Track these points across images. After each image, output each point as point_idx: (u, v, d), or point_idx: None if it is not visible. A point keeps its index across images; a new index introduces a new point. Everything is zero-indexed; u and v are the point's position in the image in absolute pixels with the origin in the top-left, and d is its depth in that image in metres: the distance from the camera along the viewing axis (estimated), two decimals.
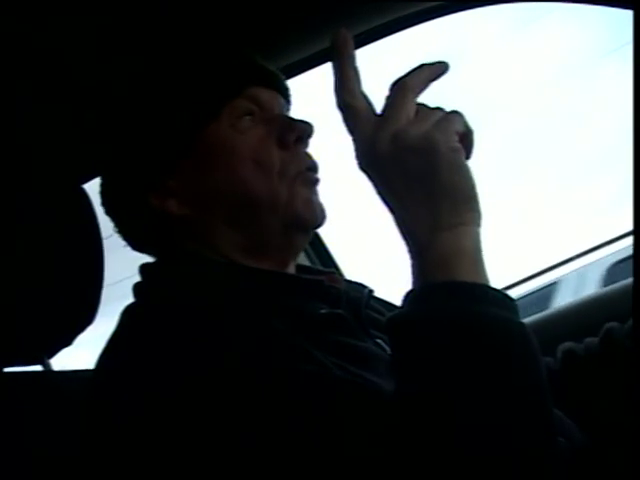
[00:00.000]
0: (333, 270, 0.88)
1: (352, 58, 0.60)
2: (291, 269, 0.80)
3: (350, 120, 0.60)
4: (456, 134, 0.57)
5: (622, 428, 0.59)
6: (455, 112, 0.58)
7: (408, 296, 0.58)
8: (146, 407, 0.59)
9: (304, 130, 0.79)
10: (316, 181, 0.79)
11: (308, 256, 1.43)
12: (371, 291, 0.83)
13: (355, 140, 0.60)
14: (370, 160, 0.59)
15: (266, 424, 0.54)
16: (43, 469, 0.80)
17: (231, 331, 0.62)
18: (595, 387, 0.73)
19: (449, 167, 0.56)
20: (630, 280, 1.18)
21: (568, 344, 0.80)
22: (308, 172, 0.78)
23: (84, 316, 0.91)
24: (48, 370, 0.93)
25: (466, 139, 0.59)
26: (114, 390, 0.63)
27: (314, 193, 0.78)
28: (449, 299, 0.54)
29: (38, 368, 0.93)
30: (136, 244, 0.83)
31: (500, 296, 0.56)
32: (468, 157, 0.60)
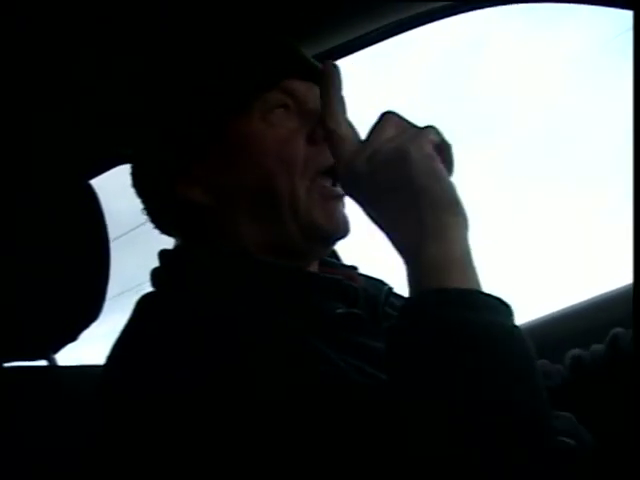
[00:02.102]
0: (353, 266, 0.86)
1: (339, 87, 0.63)
2: (312, 267, 0.79)
3: (334, 146, 0.63)
4: (431, 144, 0.59)
5: (629, 434, 0.59)
6: (429, 126, 0.60)
7: (403, 306, 0.59)
8: (157, 402, 0.59)
9: None
10: (338, 195, 0.77)
11: None
12: (390, 288, 0.82)
13: (338, 164, 0.63)
14: (351, 182, 0.62)
15: (278, 423, 0.54)
16: (47, 464, 0.80)
17: (246, 328, 0.62)
18: (602, 395, 0.73)
19: (424, 173, 0.57)
20: (625, 286, 1.19)
21: (576, 351, 0.80)
22: (326, 181, 0.76)
23: (89, 312, 0.91)
24: (53, 365, 0.93)
25: (444, 153, 0.60)
26: (125, 384, 0.63)
27: (337, 206, 0.77)
28: (439, 306, 0.55)
29: (43, 363, 0.93)
30: (163, 228, 0.82)
31: (492, 300, 0.56)
32: (450, 172, 0.61)
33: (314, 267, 0.79)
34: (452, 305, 0.54)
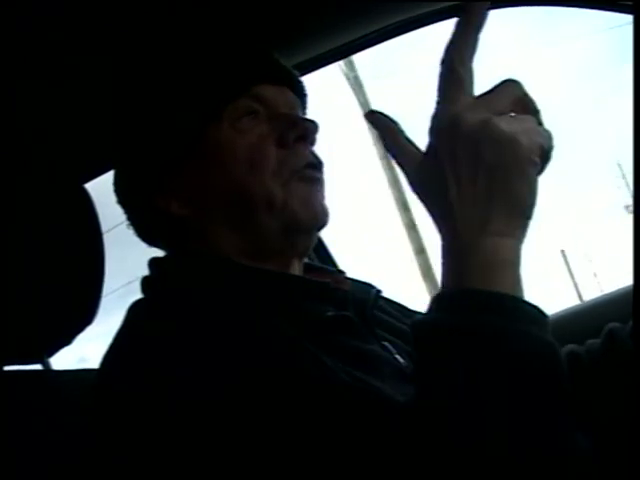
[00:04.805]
0: (340, 270, 0.87)
1: (478, 29, 0.55)
2: (296, 270, 0.79)
3: (447, 83, 0.55)
4: (540, 150, 0.53)
5: (626, 430, 0.59)
6: (545, 130, 0.55)
7: (441, 298, 0.55)
8: (148, 408, 0.59)
9: (306, 128, 0.78)
10: (315, 179, 0.77)
11: (308, 256, 1.42)
12: (379, 291, 0.82)
13: (440, 103, 0.55)
14: (446, 132, 0.54)
15: (269, 427, 0.54)
16: (42, 468, 0.79)
17: (236, 333, 0.62)
18: (599, 390, 0.72)
19: (521, 176, 0.53)
20: (629, 286, 1.18)
21: (570, 346, 0.79)
22: (306, 169, 0.76)
23: (84, 315, 0.91)
24: (48, 369, 0.92)
25: (543, 157, 0.55)
26: (120, 388, 0.63)
27: (314, 191, 0.77)
28: (485, 311, 0.52)
29: (38, 367, 0.92)
30: (147, 240, 0.83)
31: (535, 312, 0.53)
32: (539, 174, 0.56)
33: (298, 267, 0.79)
34: (498, 312, 0.52)
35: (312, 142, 0.80)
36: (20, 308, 0.85)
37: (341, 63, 7.00)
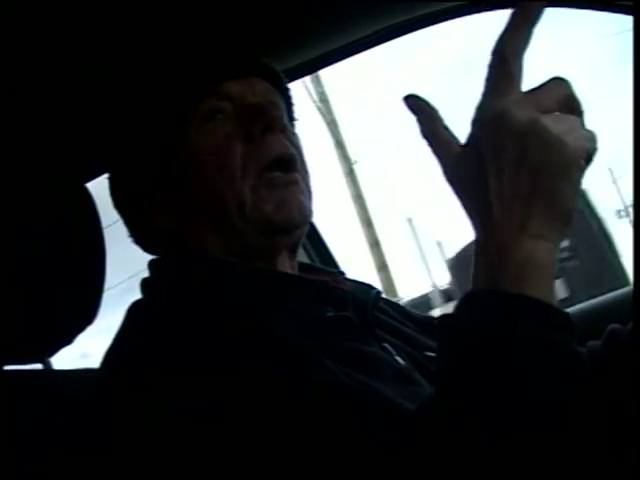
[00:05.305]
0: (339, 270, 0.86)
1: (535, 22, 0.53)
2: (286, 265, 0.78)
3: (497, 75, 0.53)
4: (585, 153, 0.52)
5: (628, 431, 0.58)
6: (591, 131, 0.53)
7: (471, 298, 0.54)
8: (148, 409, 0.59)
9: (270, 116, 0.76)
10: (288, 182, 0.75)
11: (308, 254, 1.42)
12: (379, 292, 0.81)
13: (487, 95, 0.53)
14: (492, 126, 0.52)
15: (269, 429, 0.54)
16: (42, 468, 0.79)
17: (236, 334, 0.62)
18: (600, 391, 0.72)
19: (566, 179, 0.51)
20: (627, 289, 1.18)
21: None
22: (274, 172, 0.74)
23: (85, 315, 0.91)
24: (48, 369, 0.92)
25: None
26: (118, 391, 0.64)
27: (289, 194, 0.74)
28: (513, 315, 0.51)
29: (38, 367, 0.92)
30: (144, 249, 0.84)
31: (564, 320, 0.52)
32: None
33: (288, 263, 0.79)
34: (533, 319, 0.51)
35: (283, 130, 0.77)
36: (21, 308, 0.85)
37: (307, 79, 6.99)
